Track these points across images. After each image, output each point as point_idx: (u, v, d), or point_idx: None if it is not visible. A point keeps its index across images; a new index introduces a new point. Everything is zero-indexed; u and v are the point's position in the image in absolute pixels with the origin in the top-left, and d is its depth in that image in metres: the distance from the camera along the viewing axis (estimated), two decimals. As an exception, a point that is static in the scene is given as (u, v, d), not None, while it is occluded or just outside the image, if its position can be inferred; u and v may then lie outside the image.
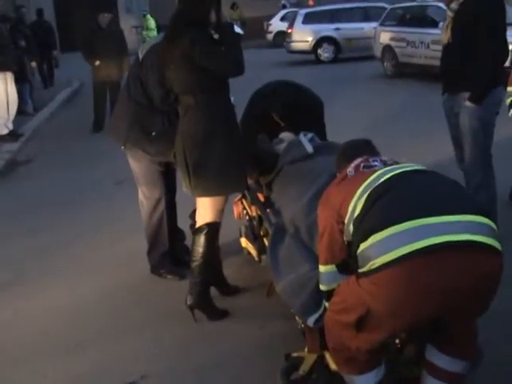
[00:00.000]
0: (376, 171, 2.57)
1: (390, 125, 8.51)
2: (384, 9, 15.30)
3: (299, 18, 18.49)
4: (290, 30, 18.58)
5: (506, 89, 4.64)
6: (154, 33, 21.91)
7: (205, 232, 3.69)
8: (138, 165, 4.25)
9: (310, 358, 2.91)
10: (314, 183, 3.39)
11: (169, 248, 4.41)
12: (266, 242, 3.83)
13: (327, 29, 17.93)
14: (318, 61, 17.94)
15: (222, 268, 4.06)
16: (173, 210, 4.49)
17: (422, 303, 2.25)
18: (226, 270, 4.12)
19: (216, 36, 3.50)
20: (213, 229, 3.72)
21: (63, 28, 24.42)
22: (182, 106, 3.64)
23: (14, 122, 9.59)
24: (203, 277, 3.73)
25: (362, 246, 2.33)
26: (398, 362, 2.79)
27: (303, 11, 19.02)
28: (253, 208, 4.20)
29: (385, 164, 2.67)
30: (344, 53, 17.84)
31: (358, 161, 2.75)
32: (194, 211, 3.99)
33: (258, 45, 23.79)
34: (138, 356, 3.51)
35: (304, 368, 2.89)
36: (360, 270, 2.36)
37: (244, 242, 4.45)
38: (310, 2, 20.29)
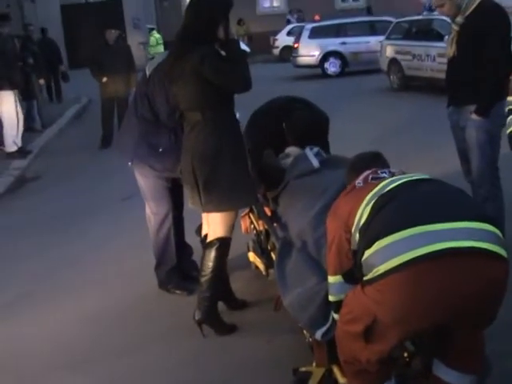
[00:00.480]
0: (383, 181, 2.59)
1: (396, 138, 8.50)
2: (390, 22, 15.34)
3: (305, 33, 18.54)
4: (296, 45, 18.63)
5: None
6: (161, 48, 22.05)
7: (216, 247, 3.69)
8: (145, 180, 4.28)
9: (318, 373, 2.91)
10: (321, 197, 3.39)
11: (176, 263, 4.42)
12: (273, 256, 3.84)
13: (333, 43, 17.98)
14: (324, 75, 17.96)
15: (229, 282, 4.06)
16: (180, 226, 4.51)
17: (427, 309, 2.25)
18: (234, 285, 4.12)
19: (223, 52, 3.52)
20: (224, 244, 3.73)
21: (71, 45, 24.68)
22: (188, 123, 3.66)
23: (23, 138, 9.65)
24: (212, 291, 3.72)
25: (367, 253, 2.34)
26: (407, 375, 2.78)
27: (309, 26, 19.03)
28: (260, 222, 4.21)
29: (393, 175, 2.68)
30: (350, 66, 17.86)
31: (366, 173, 2.76)
32: (200, 226, 3.99)
33: (265, 59, 23.88)
34: (145, 371, 3.51)
35: (312, 382, 2.88)
36: (365, 278, 2.37)
37: (252, 256, 4.46)
38: (316, 17, 20.31)
